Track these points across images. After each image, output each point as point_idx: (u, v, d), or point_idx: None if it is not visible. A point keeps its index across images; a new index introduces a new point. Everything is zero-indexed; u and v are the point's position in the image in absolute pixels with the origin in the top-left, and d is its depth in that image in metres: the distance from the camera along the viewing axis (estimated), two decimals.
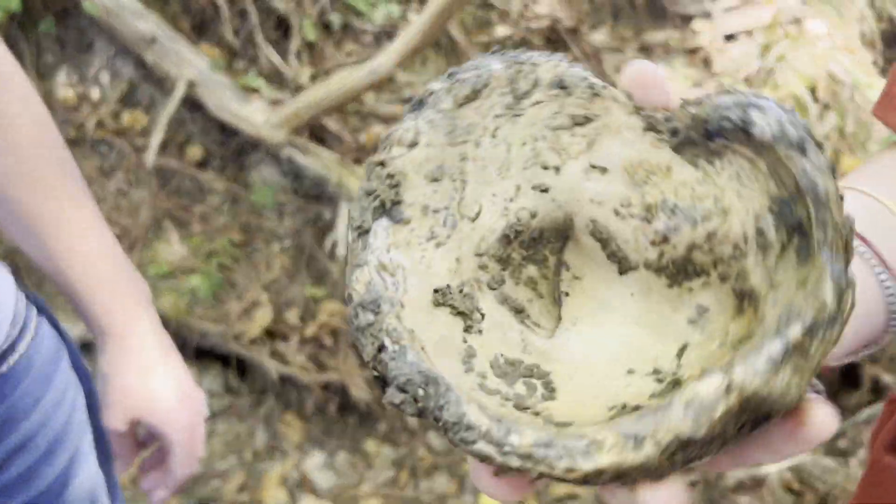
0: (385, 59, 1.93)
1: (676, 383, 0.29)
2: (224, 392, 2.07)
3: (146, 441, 0.73)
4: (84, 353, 0.75)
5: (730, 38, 1.95)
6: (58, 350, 0.68)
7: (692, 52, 2.15)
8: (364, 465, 2.01)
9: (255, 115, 2.05)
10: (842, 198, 0.26)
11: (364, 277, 0.29)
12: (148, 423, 0.69)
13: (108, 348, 0.68)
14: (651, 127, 0.30)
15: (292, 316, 2.04)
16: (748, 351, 0.25)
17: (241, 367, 2.05)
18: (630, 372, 0.30)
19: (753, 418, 0.25)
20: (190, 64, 2.08)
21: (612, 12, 2.31)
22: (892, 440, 0.44)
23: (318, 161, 2.07)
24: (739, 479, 1.82)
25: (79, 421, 0.69)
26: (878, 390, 1.90)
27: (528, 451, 0.25)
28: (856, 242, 0.35)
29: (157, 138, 2.10)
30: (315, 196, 2.13)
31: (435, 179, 0.31)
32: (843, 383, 2.03)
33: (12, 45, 1.92)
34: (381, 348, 0.28)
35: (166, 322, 0.74)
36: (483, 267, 0.32)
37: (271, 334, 2.03)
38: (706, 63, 2.10)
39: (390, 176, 0.30)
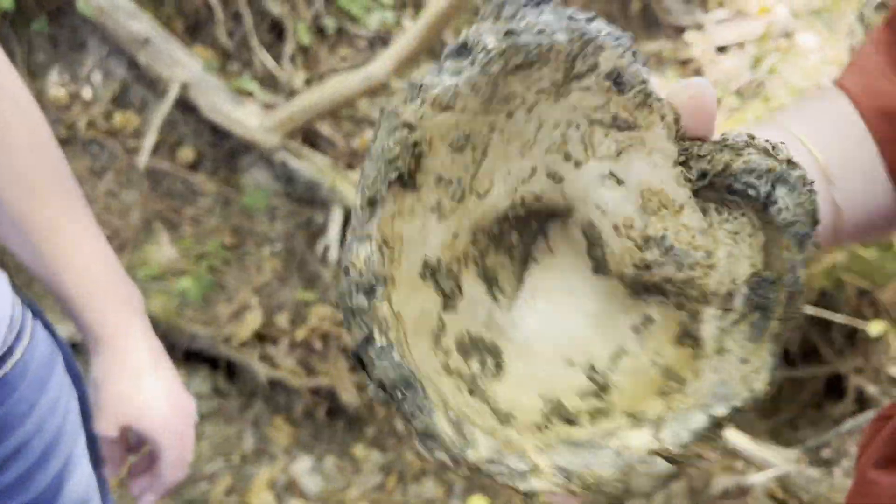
0: (380, 64, 1.94)
1: (605, 388, 0.31)
2: (213, 395, 2.06)
3: (135, 445, 0.74)
4: (73, 353, 0.75)
5: (722, 49, 1.97)
6: (52, 354, 0.68)
7: (684, 63, 2.17)
8: (352, 469, 2.01)
9: (249, 118, 2.05)
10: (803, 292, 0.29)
11: (365, 253, 0.28)
12: (139, 428, 0.69)
13: (101, 354, 0.68)
14: (684, 162, 0.30)
15: (282, 319, 2.04)
16: (677, 413, 0.29)
17: (231, 370, 2.05)
18: (569, 363, 0.32)
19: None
20: (183, 66, 2.08)
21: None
22: (879, 457, 0.46)
23: (311, 165, 2.07)
24: (725, 487, 1.84)
25: (72, 425, 0.69)
26: (862, 401, 1.92)
27: (479, 466, 0.28)
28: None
29: (149, 140, 2.09)
30: (307, 200, 2.13)
31: (458, 149, 0.30)
32: (828, 394, 2.05)
33: (4, 44, 1.91)
34: (369, 340, 0.28)
35: (156, 324, 0.74)
36: (475, 243, 0.32)
37: (261, 338, 2.03)
38: (698, 74, 2.12)
39: (416, 144, 0.29)
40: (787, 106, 0.45)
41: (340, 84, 1.99)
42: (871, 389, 1.88)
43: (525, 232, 0.33)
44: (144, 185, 2.15)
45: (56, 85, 2.24)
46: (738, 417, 0.29)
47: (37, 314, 0.69)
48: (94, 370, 0.69)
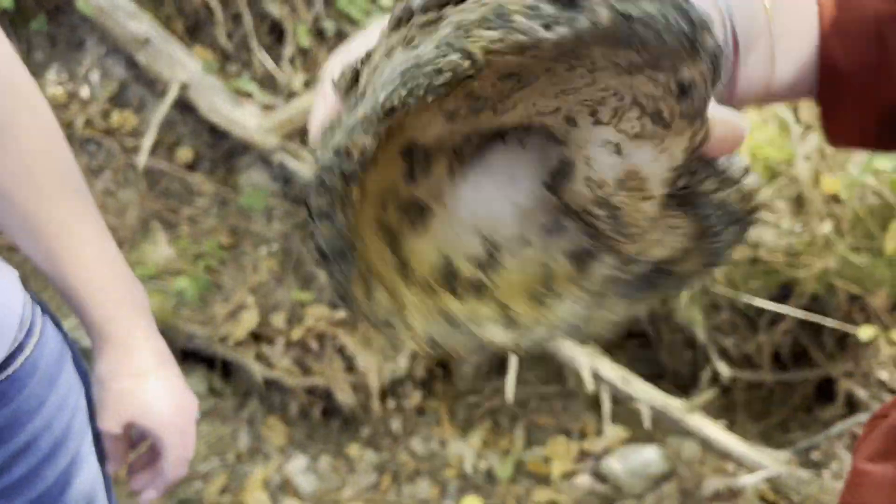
0: None
1: (494, 266, 0.34)
2: (208, 394, 2.07)
3: (136, 442, 0.75)
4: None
5: None
6: (62, 352, 0.69)
7: None
8: (347, 469, 2.01)
9: (248, 118, 2.06)
10: None
11: (364, 143, 0.28)
12: (143, 425, 0.70)
13: (107, 353, 0.69)
14: (681, 177, 0.31)
15: (279, 319, 2.05)
16: (530, 323, 0.33)
17: (226, 370, 2.06)
18: (478, 233, 0.34)
19: None
20: (183, 66, 2.09)
21: None
22: (872, 452, 0.48)
23: (310, 166, 2.08)
24: (716, 488, 1.86)
25: (80, 422, 0.70)
26: (851, 404, 1.94)
27: (374, 321, 0.34)
28: None
29: (149, 140, 2.10)
30: (304, 201, 2.14)
31: (504, 77, 0.28)
32: (818, 397, 2.07)
33: None
34: (329, 215, 0.31)
35: None
36: (467, 141, 0.34)
37: (257, 337, 2.03)
38: None
39: (468, 77, 0.26)
40: None
41: None
42: (861, 393, 1.90)
43: (513, 132, 0.34)
44: (142, 184, 2.15)
45: (54, 83, 2.24)
46: (558, 338, 0.33)
47: (45, 312, 0.70)
48: (98, 367, 0.70)
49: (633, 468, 1.92)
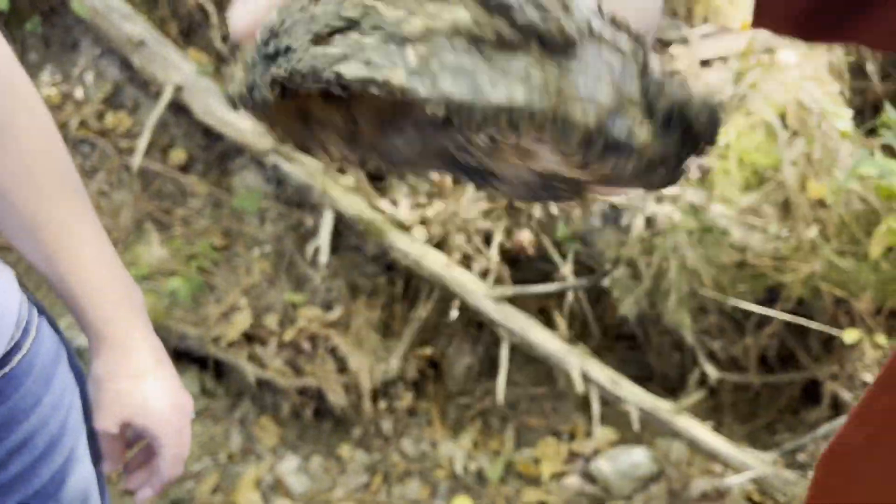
0: None
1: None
2: (200, 394, 2.08)
3: (132, 441, 0.76)
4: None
5: (705, 63, 2.01)
6: (57, 351, 0.70)
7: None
8: (338, 469, 2.03)
9: (242, 121, 2.07)
10: None
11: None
12: (139, 425, 0.71)
13: (104, 354, 0.70)
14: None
15: (271, 321, 2.06)
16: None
17: (219, 370, 2.06)
18: None
19: None
20: (177, 68, 2.10)
21: None
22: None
23: (303, 169, 2.09)
24: (703, 489, 1.88)
25: (75, 421, 0.71)
26: (837, 406, 1.97)
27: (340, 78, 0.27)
28: None
29: (143, 142, 2.11)
30: (297, 203, 2.16)
31: None
32: (805, 399, 2.10)
33: None
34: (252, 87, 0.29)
35: None
36: None
37: (249, 338, 2.04)
38: None
39: None
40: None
41: None
42: (846, 395, 1.93)
43: None
44: (136, 185, 2.16)
45: (48, 84, 2.25)
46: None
47: (41, 311, 0.70)
48: (96, 368, 0.70)
49: (621, 469, 1.94)
